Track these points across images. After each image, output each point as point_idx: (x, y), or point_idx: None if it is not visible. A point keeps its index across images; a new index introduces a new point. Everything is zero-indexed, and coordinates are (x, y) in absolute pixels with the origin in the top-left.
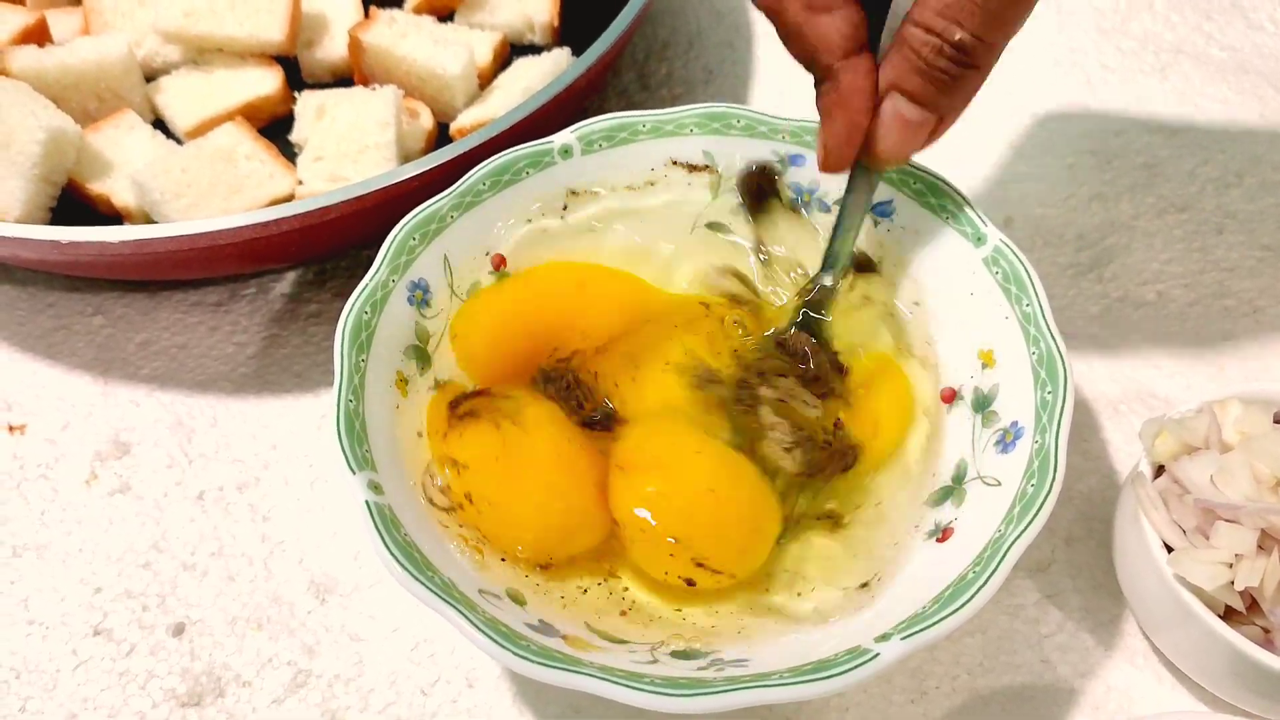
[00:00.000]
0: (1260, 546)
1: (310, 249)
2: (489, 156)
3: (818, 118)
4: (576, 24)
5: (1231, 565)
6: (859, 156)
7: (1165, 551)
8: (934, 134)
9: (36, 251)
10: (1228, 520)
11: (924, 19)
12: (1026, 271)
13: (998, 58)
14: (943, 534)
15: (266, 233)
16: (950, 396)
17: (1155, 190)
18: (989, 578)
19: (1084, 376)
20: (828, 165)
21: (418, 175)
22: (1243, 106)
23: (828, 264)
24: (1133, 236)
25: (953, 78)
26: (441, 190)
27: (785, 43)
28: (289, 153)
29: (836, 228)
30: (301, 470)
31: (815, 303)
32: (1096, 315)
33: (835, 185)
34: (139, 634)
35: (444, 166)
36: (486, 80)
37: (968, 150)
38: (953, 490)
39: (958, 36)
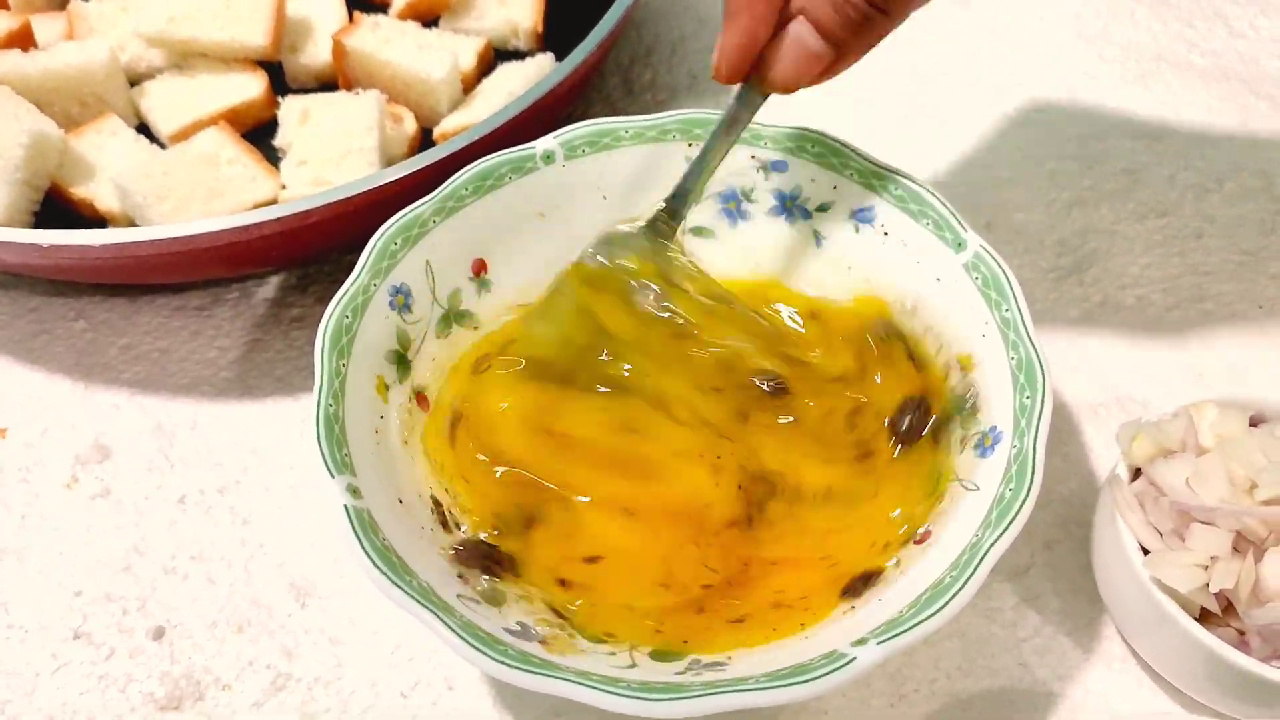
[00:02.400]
0: (1235, 549)
1: (292, 253)
2: (472, 161)
3: (791, 126)
4: (561, 30)
5: (1207, 567)
6: (749, 76)
7: (1142, 554)
8: (827, 72)
9: (18, 255)
10: (1203, 523)
11: None
12: (1006, 277)
13: (909, 11)
14: (920, 537)
15: (247, 236)
16: None
17: (1136, 196)
18: (966, 581)
19: (1063, 380)
20: (720, 73)
21: (399, 179)
22: (1223, 113)
23: (686, 181)
24: (1113, 241)
25: (864, 17)
26: (424, 195)
27: None
28: (273, 157)
29: (704, 147)
30: (282, 474)
31: (660, 222)
32: (1076, 319)
33: (817, 192)
34: (118, 637)
35: (426, 170)
36: (470, 85)
37: (949, 155)
38: (930, 494)
39: None
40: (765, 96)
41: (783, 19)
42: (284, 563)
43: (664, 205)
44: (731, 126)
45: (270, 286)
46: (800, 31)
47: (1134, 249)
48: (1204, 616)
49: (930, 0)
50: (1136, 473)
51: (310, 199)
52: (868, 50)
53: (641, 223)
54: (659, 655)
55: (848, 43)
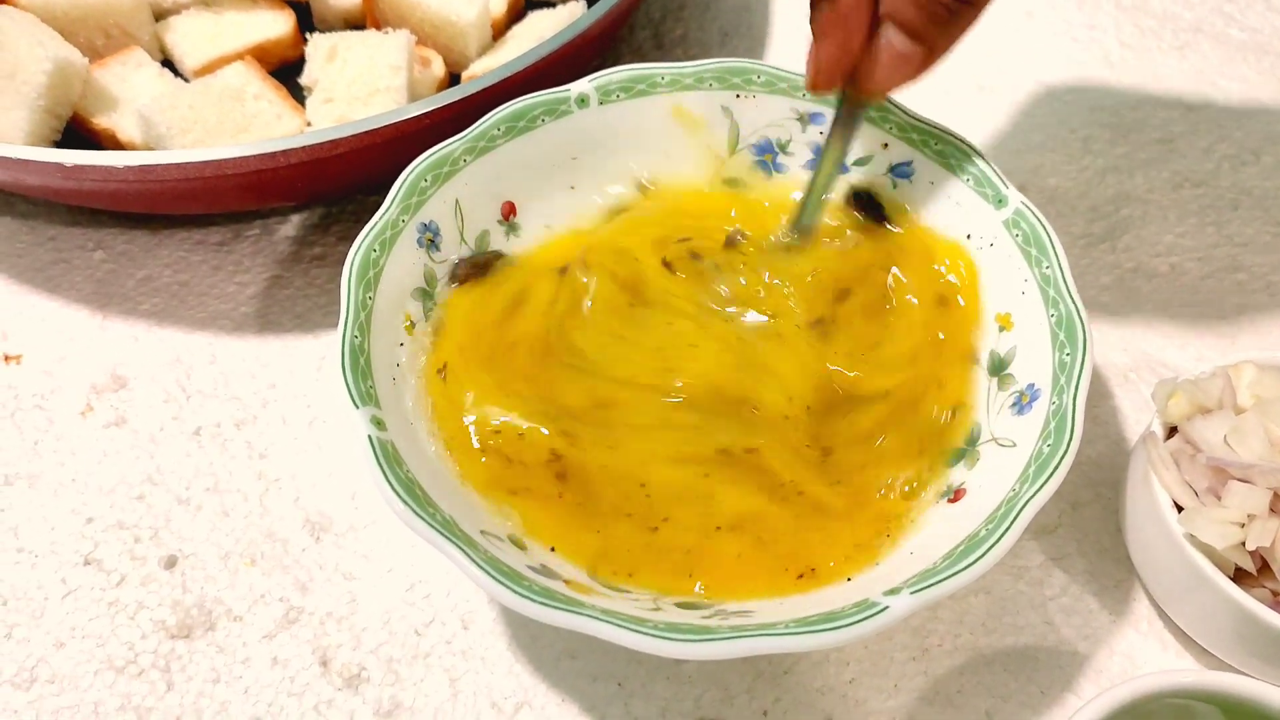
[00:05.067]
0: (1272, 509)
1: (316, 186)
2: (499, 100)
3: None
4: None
5: (1243, 525)
6: (845, 87)
7: (1175, 511)
8: (920, 69)
9: (40, 176)
10: (1240, 480)
11: None
12: (1047, 233)
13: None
14: (955, 494)
15: (273, 164)
16: None
17: (1171, 165)
18: (1002, 536)
19: (1095, 344)
20: (817, 85)
21: (427, 114)
22: (1262, 86)
23: (807, 205)
24: (1147, 209)
25: (949, 11)
26: (450, 134)
27: None
28: (299, 96)
29: (819, 164)
30: (300, 410)
31: (790, 241)
32: (1108, 285)
33: (855, 145)
34: (130, 565)
35: (453, 106)
36: (500, 31)
37: (984, 119)
38: (965, 452)
39: None
40: (865, 105)
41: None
42: (299, 497)
43: (787, 235)
44: (836, 145)
45: (292, 224)
46: (890, 36)
47: (1168, 217)
48: (1238, 577)
49: None
50: (1171, 431)
51: (338, 129)
52: (956, 42)
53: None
54: (685, 604)
55: (936, 39)
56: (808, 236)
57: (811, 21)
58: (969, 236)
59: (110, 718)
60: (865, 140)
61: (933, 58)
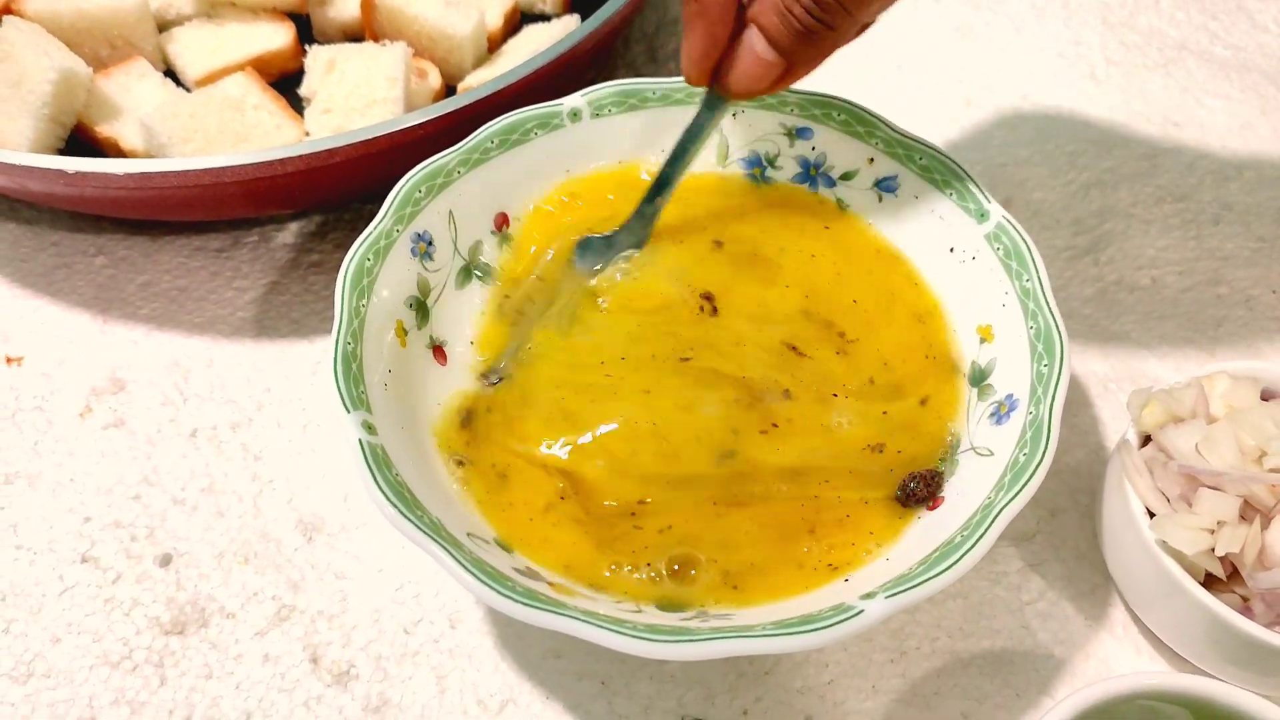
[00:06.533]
0: (1242, 516)
1: (314, 194)
2: (494, 111)
3: (818, 93)
4: None
5: (1213, 532)
6: (711, 83)
7: (1148, 518)
8: (782, 80)
9: (43, 182)
10: (1211, 488)
11: None
12: (1028, 247)
13: (854, 29)
14: (933, 502)
15: (271, 172)
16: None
17: (1154, 180)
18: (977, 541)
19: (1076, 355)
20: (689, 75)
21: (422, 124)
22: (1245, 103)
23: (657, 186)
24: (1130, 223)
25: (808, 30)
26: (446, 144)
27: None
28: (298, 107)
29: (675, 149)
30: (294, 413)
31: (633, 227)
32: (1091, 297)
33: (842, 158)
34: (126, 563)
35: (449, 117)
36: (496, 45)
37: (970, 131)
38: (945, 462)
39: None
40: (726, 101)
41: (739, 28)
42: (292, 499)
43: (635, 214)
44: (698, 133)
45: (289, 232)
46: (752, 39)
47: (1150, 231)
48: (1208, 583)
49: (877, 18)
50: (1146, 439)
51: (335, 138)
52: (819, 62)
53: (615, 230)
54: (666, 605)
55: (796, 52)
56: (648, 224)
57: (683, 12)
58: (951, 250)
59: (105, 712)
60: (851, 155)
61: (792, 72)
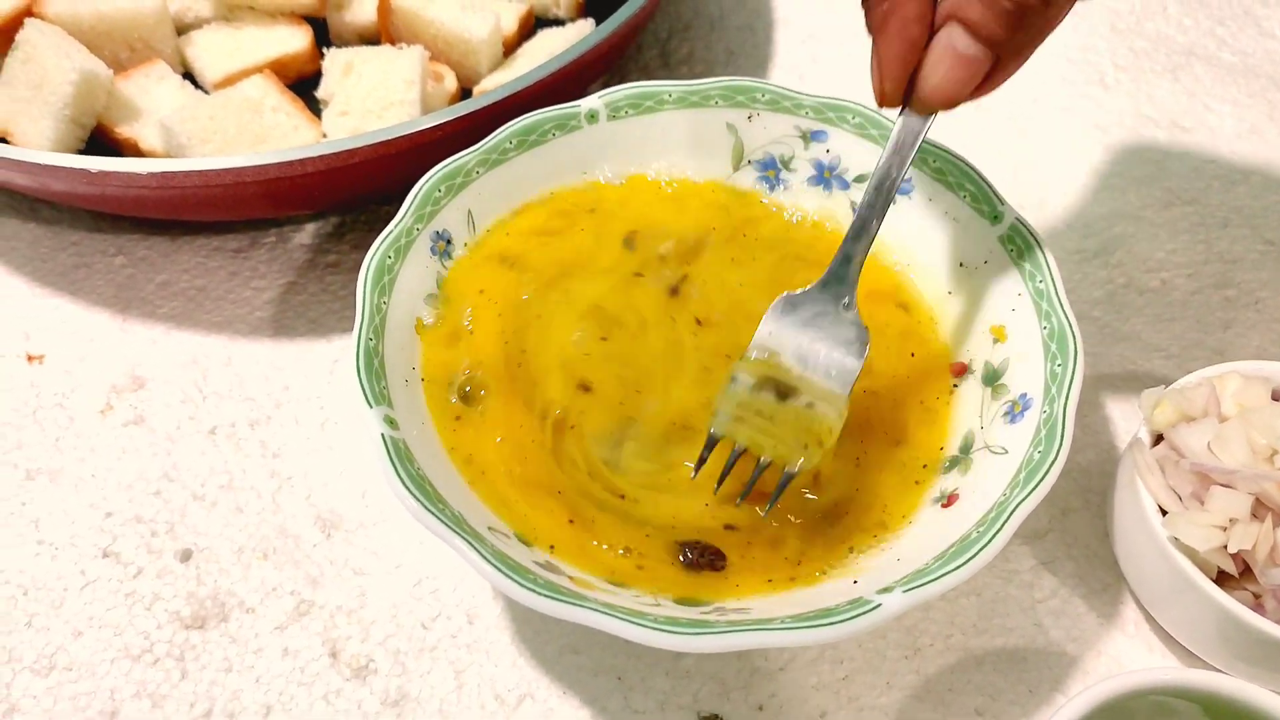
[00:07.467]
0: (1254, 514)
1: (333, 194)
2: (510, 114)
3: (832, 97)
4: (601, 2)
5: (1225, 529)
6: (904, 100)
7: (1160, 515)
8: (989, 80)
9: (66, 181)
10: (1223, 485)
11: None
12: (1041, 249)
13: (1069, 3)
14: (948, 500)
15: (291, 173)
16: (961, 371)
17: (1163, 183)
18: (992, 538)
19: (1086, 356)
20: (885, 91)
21: (439, 126)
22: (1252, 108)
23: (857, 229)
24: (1139, 226)
25: (1021, 9)
26: (462, 146)
27: None
28: (315, 109)
29: (868, 191)
30: (313, 411)
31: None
32: (1101, 299)
33: (856, 161)
34: (147, 558)
35: (465, 120)
36: (511, 49)
37: (977, 136)
38: (959, 460)
39: None
40: (926, 119)
41: (933, 29)
42: (311, 495)
43: (832, 270)
44: (899, 158)
45: (307, 233)
46: (953, 38)
47: (1159, 234)
48: (1220, 580)
49: None
50: (1158, 439)
51: (355, 139)
52: (1029, 52)
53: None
54: (683, 601)
55: (1004, 43)
56: (849, 286)
57: (866, 19)
58: (963, 252)
59: (126, 704)
60: (865, 158)
61: (1002, 70)
